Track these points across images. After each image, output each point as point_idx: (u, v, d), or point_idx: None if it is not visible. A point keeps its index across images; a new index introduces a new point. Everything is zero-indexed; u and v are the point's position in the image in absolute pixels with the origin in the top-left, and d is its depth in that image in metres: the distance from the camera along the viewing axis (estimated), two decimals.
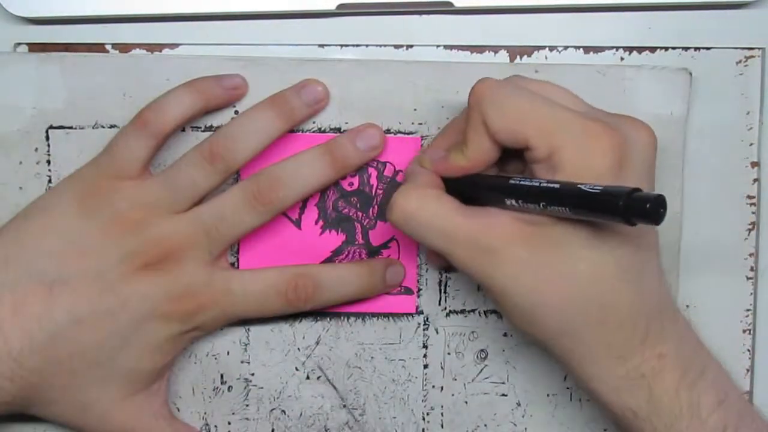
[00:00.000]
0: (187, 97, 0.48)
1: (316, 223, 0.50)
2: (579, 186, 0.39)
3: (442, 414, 0.52)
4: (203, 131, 0.50)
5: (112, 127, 0.50)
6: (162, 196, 0.47)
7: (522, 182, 0.41)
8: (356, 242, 0.51)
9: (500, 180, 0.43)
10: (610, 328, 0.41)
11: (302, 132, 0.50)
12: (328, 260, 0.50)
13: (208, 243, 0.47)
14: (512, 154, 0.44)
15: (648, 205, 0.36)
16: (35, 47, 0.51)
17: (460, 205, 0.43)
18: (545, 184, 0.40)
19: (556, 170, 0.41)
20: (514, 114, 0.41)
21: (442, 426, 0.52)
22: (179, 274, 0.46)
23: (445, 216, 0.42)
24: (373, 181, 0.50)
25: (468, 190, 0.44)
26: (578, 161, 0.40)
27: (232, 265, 0.50)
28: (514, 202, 0.41)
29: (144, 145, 0.47)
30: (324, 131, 0.50)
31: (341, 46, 0.51)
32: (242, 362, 0.51)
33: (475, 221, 0.42)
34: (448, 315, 0.51)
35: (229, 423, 0.51)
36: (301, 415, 0.51)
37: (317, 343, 0.51)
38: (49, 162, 0.50)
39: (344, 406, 0.51)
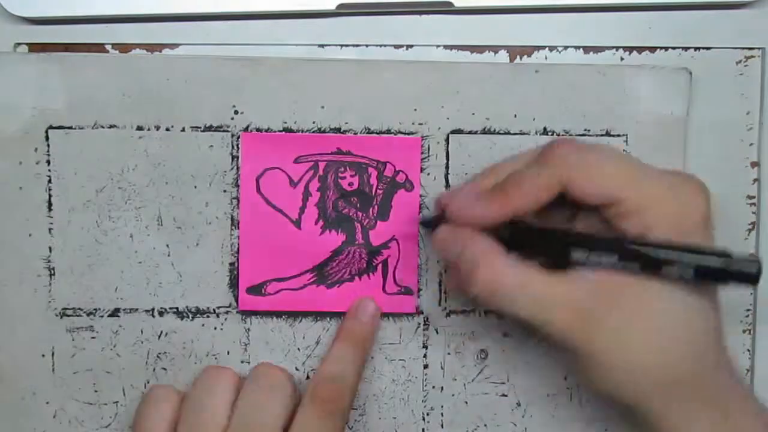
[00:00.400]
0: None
1: (316, 223, 0.50)
2: (668, 242, 0.40)
3: (442, 414, 0.52)
4: (203, 131, 0.50)
5: (111, 127, 0.50)
6: None
7: (583, 232, 0.43)
8: (356, 242, 0.51)
9: (563, 233, 0.43)
10: (705, 375, 0.41)
11: (302, 132, 0.50)
12: (329, 260, 0.50)
13: None
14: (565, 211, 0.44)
15: (755, 270, 0.39)
16: (35, 47, 0.51)
17: (548, 271, 0.42)
18: (620, 237, 0.41)
19: (647, 225, 0.41)
20: (604, 173, 0.42)
21: (442, 426, 0.52)
22: None
23: (535, 282, 0.41)
24: (373, 181, 0.50)
25: (534, 246, 0.44)
26: (667, 216, 0.41)
27: (232, 264, 0.50)
28: (590, 256, 0.41)
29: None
30: (324, 131, 0.50)
31: (341, 46, 0.51)
32: (242, 362, 0.51)
33: (567, 284, 0.41)
34: (448, 315, 0.51)
35: None
36: None
37: (317, 343, 0.51)
38: (48, 162, 0.50)
39: None
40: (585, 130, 0.50)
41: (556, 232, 0.43)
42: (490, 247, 0.43)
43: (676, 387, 0.41)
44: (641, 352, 0.41)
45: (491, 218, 0.43)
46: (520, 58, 0.51)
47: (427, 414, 0.52)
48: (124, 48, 0.51)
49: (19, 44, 0.51)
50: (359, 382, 0.49)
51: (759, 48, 0.51)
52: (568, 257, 0.42)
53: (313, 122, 0.50)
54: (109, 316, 0.50)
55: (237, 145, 0.50)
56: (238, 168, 0.50)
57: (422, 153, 0.50)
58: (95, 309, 0.50)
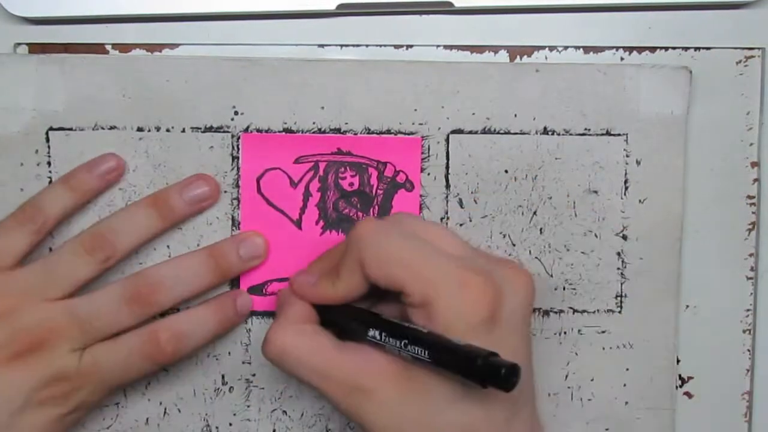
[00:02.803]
0: (65, 195, 0.48)
1: (317, 223, 0.50)
2: (447, 337, 0.39)
3: None
4: (203, 132, 0.50)
5: (112, 128, 0.50)
6: (36, 283, 0.46)
7: (389, 318, 0.42)
8: None
9: (369, 313, 0.44)
10: None
11: (302, 132, 0.50)
12: None
13: (81, 335, 0.46)
14: (391, 296, 0.44)
15: (503, 371, 0.37)
16: (35, 47, 0.51)
17: (336, 342, 0.43)
18: (412, 326, 0.41)
19: (430, 318, 0.41)
20: (391, 259, 0.42)
21: None
22: (51, 360, 0.45)
23: (320, 353, 0.43)
24: (374, 181, 0.50)
25: (341, 321, 0.45)
26: (451, 312, 0.40)
27: None
28: (377, 334, 0.42)
29: (24, 240, 0.47)
30: (324, 132, 0.50)
31: (341, 46, 0.51)
32: (243, 363, 0.51)
33: (350, 359, 0.42)
34: None
35: (231, 424, 0.51)
36: (302, 415, 0.51)
37: None
38: (49, 163, 0.50)
39: None
40: (585, 129, 0.50)
41: (347, 306, 0.45)
42: (296, 312, 0.45)
43: None
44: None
45: (325, 302, 0.45)
46: (520, 58, 0.51)
47: None
48: (124, 48, 0.51)
49: (19, 44, 0.51)
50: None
51: (759, 48, 0.51)
52: (363, 337, 0.43)
53: (313, 122, 0.50)
54: None
55: (237, 145, 0.50)
56: (238, 169, 0.50)
57: (422, 153, 0.50)
58: None
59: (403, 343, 0.40)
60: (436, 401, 0.41)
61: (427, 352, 0.39)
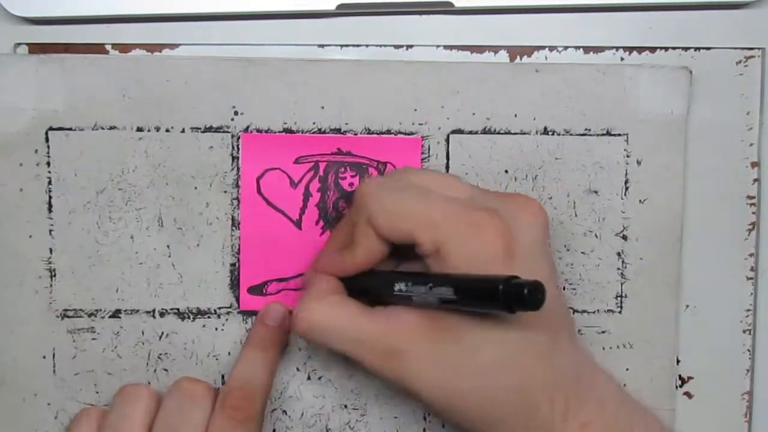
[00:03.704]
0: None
1: (317, 223, 0.50)
2: (467, 273, 0.40)
3: None
4: (203, 132, 0.50)
5: (112, 128, 0.50)
6: None
7: (412, 271, 0.43)
8: None
9: (393, 272, 0.44)
10: (529, 410, 0.41)
11: (302, 133, 0.50)
12: None
13: None
14: (413, 255, 0.44)
15: (525, 291, 0.36)
16: (35, 47, 0.50)
17: (364, 307, 0.44)
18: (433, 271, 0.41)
19: (445, 263, 0.41)
20: (397, 212, 0.42)
21: (443, 426, 0.52)
22: None
23: (349, 320, 0.43)
24: None
25: (367, 287, 0.45)
26: (464, 252, 0.41)
27: (233, 265, 0.50)
28: (402, 286, 0.42)
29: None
30: (324, 132, 0.50)
31: (341, 46, 0.51)
32: None
33: (379, 322, 0.42)
34: None
35: None
36: (302, 415, 0.51)
37: None
38: (49, 164, 0.50)
39: (345, 406, 0.51)
40: (585, 129, 0.50)
41: (370, 271, 0.45)
42: (320, 287, 0.45)
43: (500, 423, 0.41)
44: (452, 392, 0.41)
45: (349, 272, 0.45)
46: (520, 58, 0.51)
47: (428, 414, 0.52)
48: (124, 48, 0.51)
49: (19, 44, 0.51)
50: (270, 385, 0.48)
51: (759, 48, 0.51)
52: (391, 295, 0.43)
53: (313, 122, 0.50)
54: (110, 317, 0.50)
55: (237, 145, 0.50)
56: (238, 169, 0.50)
57: (422, 153, 0.50)
58: (96, 310, 0.50)
59: (428, 287, 0.40)
60: (471, 343, 0.41)
61: (452, 290, 0.39)
